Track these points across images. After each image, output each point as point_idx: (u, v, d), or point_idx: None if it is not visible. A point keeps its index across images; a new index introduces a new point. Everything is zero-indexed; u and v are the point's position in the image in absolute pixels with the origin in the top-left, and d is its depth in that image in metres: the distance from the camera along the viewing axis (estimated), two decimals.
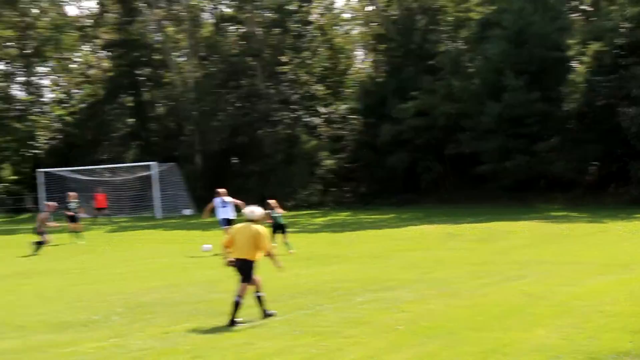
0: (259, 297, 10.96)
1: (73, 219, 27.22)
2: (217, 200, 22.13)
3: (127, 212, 45.04)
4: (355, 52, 61.39)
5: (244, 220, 11.18)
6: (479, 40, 40.39)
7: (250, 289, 10.83)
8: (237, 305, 10.57)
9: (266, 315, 10.91)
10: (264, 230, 11.11)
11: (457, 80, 39.16)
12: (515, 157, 36.53)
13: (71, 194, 28.76)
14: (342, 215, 36.11)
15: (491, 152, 37.40)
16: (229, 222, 21.43)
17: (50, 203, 24.31)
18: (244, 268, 10.87)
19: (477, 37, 41.21)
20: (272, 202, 22.35)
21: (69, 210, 27.37)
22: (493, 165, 37.50)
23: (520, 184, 38.09)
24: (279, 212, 22.04)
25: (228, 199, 22.15)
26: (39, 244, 22.61)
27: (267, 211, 22.14)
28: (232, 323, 10.49)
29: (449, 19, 47.18)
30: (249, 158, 47.45)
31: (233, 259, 11.01)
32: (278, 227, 21.88)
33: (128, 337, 9.96)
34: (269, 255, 11.15)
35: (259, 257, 10.99)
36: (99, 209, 39.47)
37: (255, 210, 11.25)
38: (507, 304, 11.40)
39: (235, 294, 10.63)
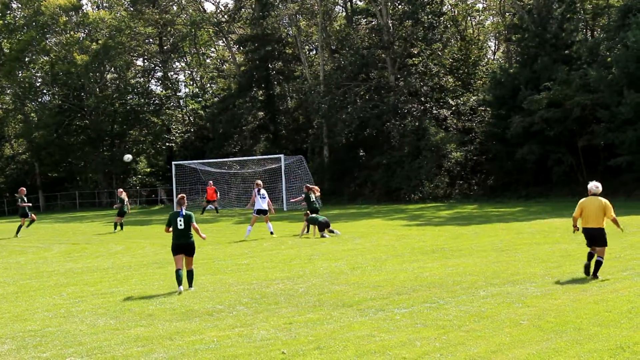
0: (598, 262, 12.88)
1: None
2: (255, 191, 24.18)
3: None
4: (487, 43, 60.32)
5: (590, 194, 13.24)
6: (619, 28, 38.82)
7: (600, 251, 13.02)
8: (600, 264, 12.84)
9: (595, 276, 12.78)
10: (607, 201, 13.12)
11: (593, 70, 37.79)
12: None
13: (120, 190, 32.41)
14: (469, 208, 35.60)
15: (628, 143, 36.17)
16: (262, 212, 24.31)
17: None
18: (598, 235, 13.10)
19: (616, 25, 39.61)
20: (313, 186, 23.52)
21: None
22: (630, 157, 36.30)
23: None
24: (318, 195, 23.75)
25: (264, 191, 24.30)
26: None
27: (304, 194, 23.41)
28: (595, 275, 12.76)
29: (587, 6, 45.73)
30: (376, 150, 47.61)
31: (578, 228, 13.34)
32: (315, 211, 23.40)
33: (252, 326, 10.21)
34: (614, 221, 13.22)
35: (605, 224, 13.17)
36: (209, 201, 40.76)
37: (599, 186, 13.31)
38: (638, 300, 10.96)
39: (597, 255, 12.97)
